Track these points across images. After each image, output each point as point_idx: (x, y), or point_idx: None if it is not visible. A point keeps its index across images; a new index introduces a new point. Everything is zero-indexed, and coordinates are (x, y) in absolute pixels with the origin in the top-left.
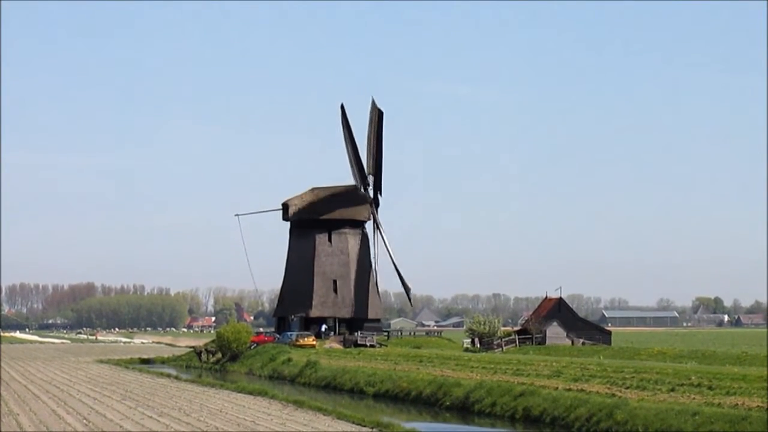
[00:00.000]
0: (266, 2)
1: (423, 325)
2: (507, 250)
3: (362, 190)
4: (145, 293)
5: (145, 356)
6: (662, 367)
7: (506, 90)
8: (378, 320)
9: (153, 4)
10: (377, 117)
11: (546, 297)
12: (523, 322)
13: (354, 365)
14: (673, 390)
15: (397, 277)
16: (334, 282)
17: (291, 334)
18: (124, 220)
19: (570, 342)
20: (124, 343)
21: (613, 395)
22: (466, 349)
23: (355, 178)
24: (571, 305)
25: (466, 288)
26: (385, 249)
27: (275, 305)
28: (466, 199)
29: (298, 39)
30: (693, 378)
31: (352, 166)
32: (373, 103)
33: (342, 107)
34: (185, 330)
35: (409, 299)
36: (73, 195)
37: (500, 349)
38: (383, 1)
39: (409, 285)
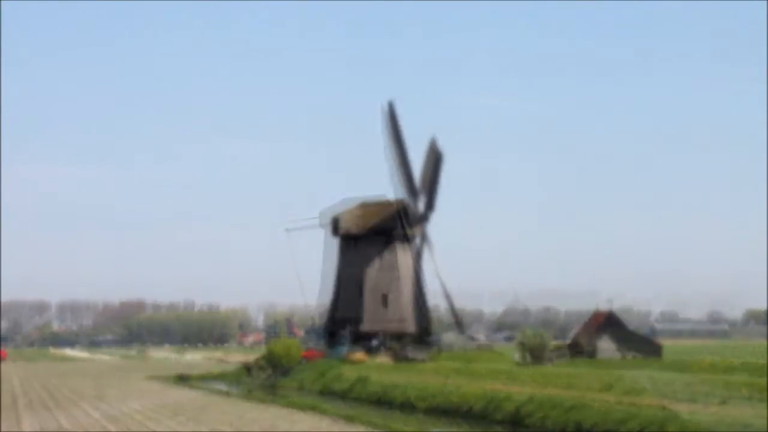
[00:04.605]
0: (315, 22)
1: (473, 339)
2: (558, 264)
3: (410, 201)
4: (195, 309)
5: (196, 372)
6: (713, 379)
7: (555, 102)
8: (429, 334)
9: (199, 21)
10: (434, 158)
11: (596, 310)
12: (574, 335)
13: (405, 380)
14: (724, 403)
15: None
16: (384, 296)
17: (341, 349)
18: (174, 236)
19: (621, 355)
20: (175, 359)
21: (664, 408)
22: (517, 363)
23: (399, 188)
24: (621, 318)
25: (516, 302)
26: (434, 265)
27: (325, 320)
28: (517, 212)
29: (341, 53)
30: (744, 391)
31: (396, 176)
32: (433, 144)
33: (390, 106)
34: (235, 345)
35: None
36: (123, 211)
37: (551, 362)
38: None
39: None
